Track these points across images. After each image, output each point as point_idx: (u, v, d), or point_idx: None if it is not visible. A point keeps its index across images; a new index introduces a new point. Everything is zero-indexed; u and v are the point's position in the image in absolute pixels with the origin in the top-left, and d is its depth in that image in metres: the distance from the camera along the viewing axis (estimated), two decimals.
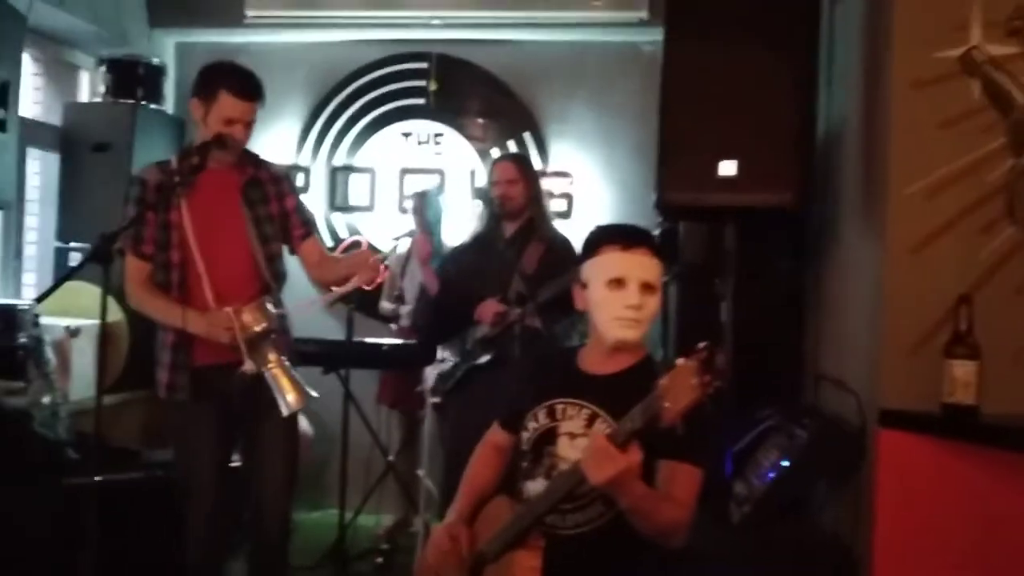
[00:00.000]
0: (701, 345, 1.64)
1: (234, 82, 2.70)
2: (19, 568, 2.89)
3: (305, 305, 3.12)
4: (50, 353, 3.68)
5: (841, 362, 3.24)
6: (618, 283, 2.00)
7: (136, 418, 4.19)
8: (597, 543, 1.98)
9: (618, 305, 1.99)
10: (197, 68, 2.82)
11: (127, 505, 3.02)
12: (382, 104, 5.01)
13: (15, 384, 3.47)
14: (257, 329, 2.60)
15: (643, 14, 4.51)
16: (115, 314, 4.02)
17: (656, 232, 3.29)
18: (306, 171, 5.01)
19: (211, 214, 2.73)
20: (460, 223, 4.16)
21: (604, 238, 2.07)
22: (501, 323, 3.40)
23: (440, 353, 3.68)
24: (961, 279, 2.57)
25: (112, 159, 4.37)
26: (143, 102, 4.49)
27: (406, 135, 5.01)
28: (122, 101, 4.47)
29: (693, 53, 3.02)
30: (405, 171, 4.98)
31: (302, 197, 3.03)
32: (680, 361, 1.65)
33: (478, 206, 3.84)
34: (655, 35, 3.44)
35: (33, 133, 4.36)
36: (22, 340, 3.59)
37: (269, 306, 2.65)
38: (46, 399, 3.50)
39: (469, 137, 4.95)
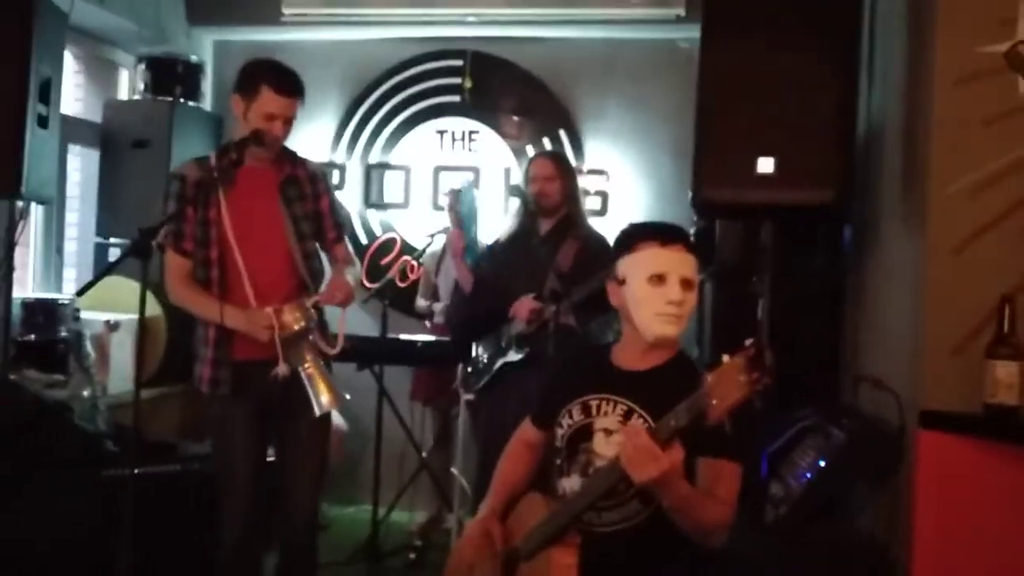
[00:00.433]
0: (748, 342, 1.61)
1: (275, 78, 2.72)
2: (58, 557, 2.94)
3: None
4: (90, 347, 3.74)
5: (880, 362, 3.19)
6: (659, 279, 1.99)
7: (173, 412, 4.24)
8: (633, 541, 1.97)
9: (660, 301, 1.98)
10: (235, 66, 2.85)
11: (163, 497, 3.06)
12: (417, 102, 5.02)
13: (56, 377, 3.53)
14: (296, 328, 2.63)
15: (680, 10, 4.48)
16: (153, 309, 4.07)
17: (692, 230, 3.27)
18: (341, 168, 5.04)
19: (249, 211, 2.75)
20: (495, 220, 4.16)
21: (642, 234, 2.06)
22: (536, 320, 3.39)
23: (474, 350, 3.68)
24: (1004, 279, 2.52)
25: (151, 156, 4.43)
26: (182, 99, 4.55)
27: (441, 133, 5.02)
28: (161, 98, 4.53)
29: (730, 49, 2.99)
30: (440, 168, 4.99)
31: (337, 194, 3.05)
32: (727, 358, 1.61)
33: (514, 203, 3.84)
34: (692, 31, 3.40)
35: (74, 130, 4.43)
36: (63, 334, 3.66)
37: (308, 306, 2.67)
38: (86, 392, 3.55)
39: (504, 135, 4.95)
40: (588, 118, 4.89)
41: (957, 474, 2.54)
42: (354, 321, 4.31)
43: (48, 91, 3.41)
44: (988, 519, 2.51)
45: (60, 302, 3.71)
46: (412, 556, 4.17)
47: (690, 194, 3.05)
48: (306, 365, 2.65)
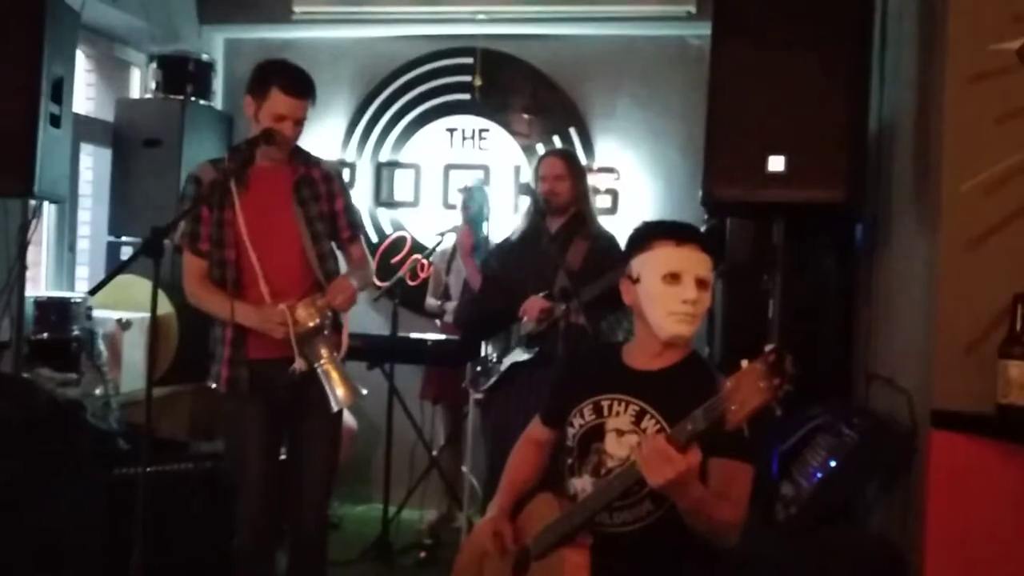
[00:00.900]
0: (769, 347, 1.60)
1: (284, 79, 2.72)
2: (70, 555, 2.95)
3: None
4: (102, 345, 3.75)
5: (892, 361, 3.18)
6: (674, 278, 1.98)
7: (185, 410, 4.25)
8: (645, 541, 1.96)
9: (674, 300, 1.97)
10: (246, 64, 2.86)
11: (175, 495, 3.07)
12: (427, 100, 5.03)
13: (69, 375, 3.54)
14: (311, 325, 2.64)
15: (691, 7, 4.47)
16: (165, 307, 4.08)
17: (703, 228, 3.26)
18: (352, 167, 5.04)
19: (264, 212, 2.76)
20: (504, 219, 4.16)
21: (657, 233, 2.05)
22: (546, 319, 3.39)
23: (484, 349, 3.68)
24: (1018, 277, 2.51)
25: (162, 154, 4.45)
26: (193, 98, 4.56)
27: (451, 131, 5.02)
28: (172, 97, 4.54)
29: (742, 47, 2.98)
30: (450, 167, 4.99)
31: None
32: (745, 363, 1.59)
33: (524, 201, 3.83)
34: (703, 29, 3.40)
35: (86, 129, 4.44)
36: (75, 332, 3.67)
37: (321, 302, 2.67)
38: (98, 390, 3.57)
39: (514, 133, 4.95)
40: (598, 116, 4.88)
41: (969, 474, 2.54)
42: (365, 320, 4.33)
43: (60, 90, 3.42)
44: (1000, 519, 2.51)
45: (73, 300, 3.73)
46: (422, 554, 4.17)
47: (700, 192, 3.04)
48: (322, 361, 2.67)
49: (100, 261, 4.65)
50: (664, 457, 1.69)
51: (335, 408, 2.68)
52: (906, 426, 2.83)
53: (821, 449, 2.98)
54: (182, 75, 4.55)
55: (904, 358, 3.03)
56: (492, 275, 3.71)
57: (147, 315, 2.36)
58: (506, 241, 3.74)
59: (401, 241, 5.01)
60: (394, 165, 5.07)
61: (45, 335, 3.60)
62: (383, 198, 5.07)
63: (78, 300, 3.74)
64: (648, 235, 2.06)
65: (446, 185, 4.98)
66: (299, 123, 2.76)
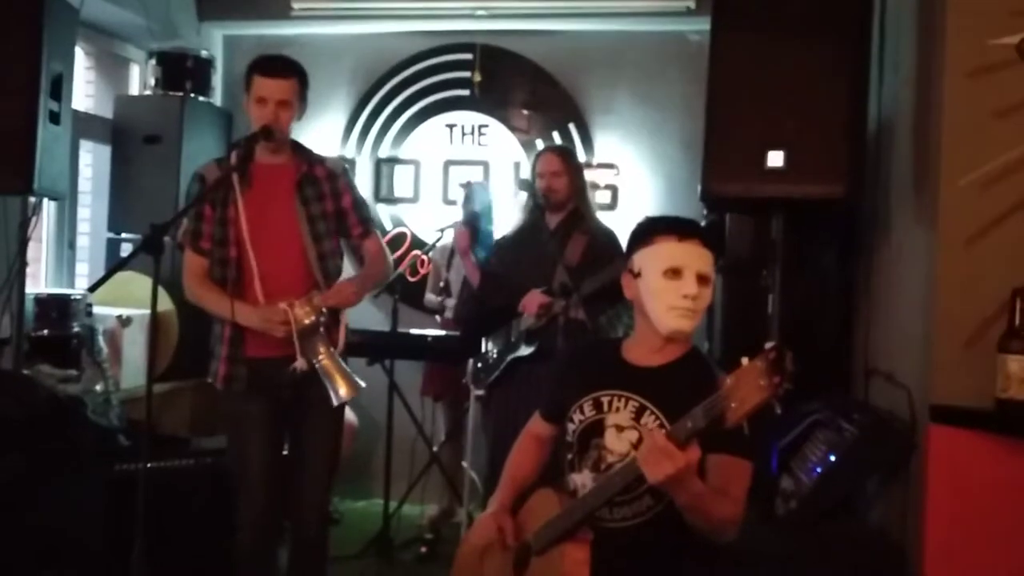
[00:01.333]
0: (769, 345, 1.60)
1: (260, 62, 2.77)
2: (71, 551, 2.95)
3: None
4: (102, 342, 3.75)
5: (892, 356, 3.18)
6: (675, 273, 1.98)
7: (185, 406, 4.26)
8: (645, 536, 1.97)
9: (675, 295, 1.97)
10: (245, 61, 2.87)
11: (176, 491, 3.08)
12: (427, 96, 5.02)
13: (69, 372, 3.54)
14: (307, 322, 2.65)
15: (690, 3, 4.47)
16: (165, 304, 4.08)
17: (703, 224, 3.26)
18: (351, 163, 5.03)
19: (265, 210, 2.76)
20: (504, 215, 4.16)
21: (659, 228, 2.05)
22: (545, 315, 3.40)
23: (484, 345, 3.69)
24: (1016, 272, 2.51)
25: (162, 151, 4.45)
26: (192, 94, 4.56)
27: (450, 127, 5.02)
28: (171, 94, 4.54)
29: (741, 42, 2.97)
30: (449, 163, 5.00)
31: None
32: (745, 361, 1.58)
33: (522, 198, 3.84)
34: (702, 24, 3.40)
35: (85, 126, 4.44)
36: (76, 329, 3.67)
37: (317, 300, 2.68)
38: (99, 387, 3.57)
39: (513, 128, 4.95)
40: (598, 111, 4.88)
41: (968, 469, 2.54)
42: (365, 316, 4.33)
43: (59, 87, 3.42)
44: (999, 514, 2.51)
45: (73, 297, 3.73)
46: (423, 549, 4.18)
47: (700, 188, 3.04)
48: (320, 357, 2.68)
49: (100, 258, 4.65)
50: (664, 453, 1.69)
51: (336, 403, 2.69)
52: (905, 421, 2.83)
53: (821, 444, 2.98)
54: (181, 72, 4.55)
55: (903, 353, 3.03)
56: (491, 271, 3.71)
57: (147, 311, 2.35)
58: (505, 237, 3.75)
59: (401, 237, 5.01)
60: (394, 161, 5.07)
61: (45, 332, 3.60)
62: (383, 194, 5.07)
63: (78, 297, 3.75)
64: (650, 230, 2.06)
65: (446, 181, 4.98)
66: (284, 105, 2.73)
